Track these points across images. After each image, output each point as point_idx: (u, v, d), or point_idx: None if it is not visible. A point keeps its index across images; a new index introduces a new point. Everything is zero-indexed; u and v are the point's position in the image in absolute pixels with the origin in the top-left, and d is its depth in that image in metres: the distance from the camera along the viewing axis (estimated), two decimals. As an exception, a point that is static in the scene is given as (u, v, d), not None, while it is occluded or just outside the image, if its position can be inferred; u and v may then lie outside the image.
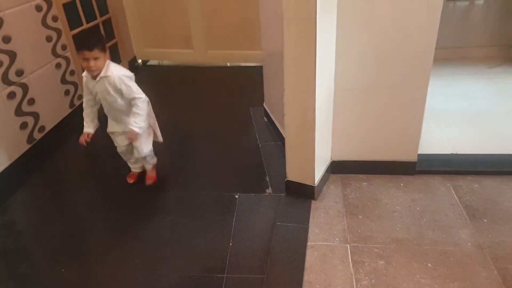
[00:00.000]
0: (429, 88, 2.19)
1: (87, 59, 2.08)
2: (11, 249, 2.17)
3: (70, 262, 2.05)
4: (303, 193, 2.35)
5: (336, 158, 2.49)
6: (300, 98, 2.08)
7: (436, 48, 2.08)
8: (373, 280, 1.80)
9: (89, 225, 2.33)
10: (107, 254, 2.09)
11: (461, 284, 1.75)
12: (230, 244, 2.08)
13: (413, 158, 2.44)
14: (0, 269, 2.06)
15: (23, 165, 2.77)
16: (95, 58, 2.08)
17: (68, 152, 3.05)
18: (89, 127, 2.35)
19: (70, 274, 1.98)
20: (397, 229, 2.08)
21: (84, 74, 2.23)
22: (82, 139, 2.32)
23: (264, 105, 3.27)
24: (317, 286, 1.79)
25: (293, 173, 2.36)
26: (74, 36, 3.29)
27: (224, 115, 3.47)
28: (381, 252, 1.95)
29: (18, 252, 2.15)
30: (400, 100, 2.26)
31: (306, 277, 1.84)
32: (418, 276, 1.81)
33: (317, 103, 2.06)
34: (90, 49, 2.05)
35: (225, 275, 1.90)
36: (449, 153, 2.59)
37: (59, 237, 2.24)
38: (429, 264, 1.86)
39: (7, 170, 2.64)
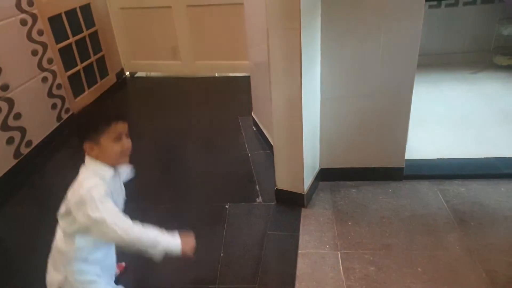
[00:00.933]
0: (414, 94, 2.24)
1: (119, 137, 1.43)
2: (-2, 267, 2.14)
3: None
4: (293, 201, 2.36)
5: (325, 166, 2.52)
6: (287, 108, 2.11)
7: (419, 55, 2.13)
8: (364, 286, 1.81)
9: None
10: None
11: (451, 287, 1.77)
12: (221, 254, 2.07)
13: (400, 164, 2.47)
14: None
15: (10, 180, 2.73)
16: (126, 135, 1.48)
17: (56, 167, 3.02)
18: (173, 237, 1.60)
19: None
20: (387, 234, 2.10)
21: (101, 177, 1.44)
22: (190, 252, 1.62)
23: (253, 114, 3.29)
24: (309, 294, 1.80)
25: (282, 182, 2.38)
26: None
27: (213, 125, 3.48)
28: (371, 258, 1.96)
29: (6, 269, 2.12)
30: (386, 107, 2.30)
31: (297, 285, 1.84)
32: (408, 281, 1.82)
33: (304, 112, 2.09)
34: (125, 119, 1.46)
35: (216, 286, 1.89)
36: (436, 158, 2.63)
37: (47, 253, 2.20)
38: (419, 269, 1.88)
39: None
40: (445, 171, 2.52)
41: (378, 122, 2.35)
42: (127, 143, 1.46)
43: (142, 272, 2.01)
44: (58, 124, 3.29)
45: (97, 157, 1.45)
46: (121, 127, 1.44)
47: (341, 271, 1.90)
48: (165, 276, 1.97)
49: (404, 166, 2.46)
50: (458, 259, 1.92)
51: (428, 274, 1.84)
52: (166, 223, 2.36)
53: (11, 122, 2.75)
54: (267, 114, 2.50)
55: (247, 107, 3.33)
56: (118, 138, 1.43)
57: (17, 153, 2.82)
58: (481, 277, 1.81)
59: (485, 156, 2.60)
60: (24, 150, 2.90)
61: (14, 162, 2.80)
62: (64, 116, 3.36)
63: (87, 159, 1.48)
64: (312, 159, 2.40)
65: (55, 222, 2.49)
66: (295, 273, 1.91)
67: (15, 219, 2.51)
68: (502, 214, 2.17)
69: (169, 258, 1.57)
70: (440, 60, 4.01)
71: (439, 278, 1.82)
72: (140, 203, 2.56)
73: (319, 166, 2.52)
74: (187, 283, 1.92)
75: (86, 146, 1.45)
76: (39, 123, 3.07)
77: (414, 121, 2.38)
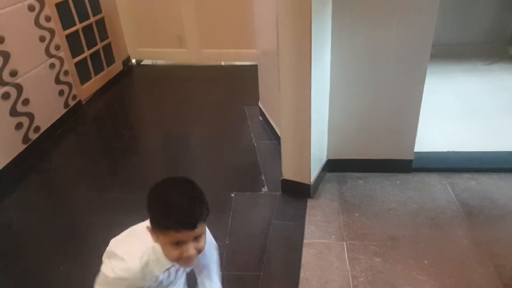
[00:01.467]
0: (425, 85, 2.22)
1: (180, 243, 1.08)
2: (9, 249, 2.19)
3: (67, 260, 2.08)
4: (299, 192, 2.38)
5: (332, 157, 2.52)
6: (296, 96, 2.11)
7: (433, 45, 2.11)
8: (369, 277, 1.83)
9: (86, 223, 2.34)
10: (105, 244, 2.10)
11: (458, 280, 1.78)
12: (226, 242, 2.10)
13: (409, 156, 2.47)
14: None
15: (19, 165, 2.79)
16: (197, 238, 1.10)
17: (64, 152, 3.06)
18: None
19: (68, 272, 2.00)
20: (394, 226, 2.11)
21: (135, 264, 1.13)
22: None
23: (259, 103, 3.29)
24: (314, 283, 1.82)
25: (288, 172, 2.39)
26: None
27: (219, 114, 3.49)
28: (377, 249, 1.97)
29: (16, 251, 2.17)
30: (397, 97, 2.29)
31: (302, 274, 1.87)
32: (414, 272, 1.83)
33: (313, 101, 2.08)
34: (193, 226, 1.07)
35: (221, 273, 1.91)
36: (446, 150, 2.62)
37: (56, 236, 2.26)
38: (426, 261, 1.89)
39: (3, 170, 2.65)
40: (455, 164, 2.51)
41: (388, 113, 2.34)
42: (189, 250, 1.08)
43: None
44: (65, 110, 3.32)
45: (156, 241, 1.14)
46: (185, 235, 1.07)
47: (347, 262, 1.92)
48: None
49: (413, 158, 2.46)
50: (466, 252, 1.92)
51: (435, 267, 1.85)
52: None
53: (19, 107, 2.78)
54: (274, 103, 2.50)
55: (254, 96, 3.33)
56: (178, 244, 1.08)
57: (25, 139, 2.86)
58: (489, 271, 1.81)
59: (497, 150, 2.58)
60: (33, 136, 2.94)
61: (23, 147, 2.84)
62: (71, 103, 3.40)
63: (148, 229, 1.16)
64: (319, 149, 2.41)
65: (63, 205, 2.54)
66: (300, 262, 1.93)
67: (24, 202, 2.56)
68: (512, 208, 2.17)
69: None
70: (453, 51, 3.96)
71: (445, 271, 1.83)
72: (146, 189, 2.60)
73: (327, 156, 2.53)
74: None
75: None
76: (47, 109, 3.10)
77: (425, 113, 2.37)
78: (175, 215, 1.06)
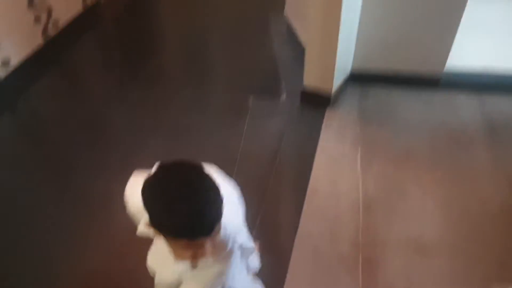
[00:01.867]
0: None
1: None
2: (34, 133, 2.33)
3: (89, 143, 2.20)
4: (319, 101, 2.35)
5: (357, 67, 2.45)
6: (326, 1, 1.99)
7: None
8: (380, 183, 1.87)
9: (106, 111, 2.43)
10: (125, 142, 2.20)
11: (468, 191, 1.80)
12: (241, 143, 2.15)
13: (439, 71, 2.36)
14: (24, 151, 2.21)
15: (40, 58, 2.84)
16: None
17: (84, 48, 3.08)
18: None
19: (89, 154, 2.13)
20: (411, 139, 2.09)
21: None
22: None
23: (285, 13, 3.15)
24: (324, 183, 1.87)
25: (310, 80, 2.34)
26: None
27: (243, 22, 3.36)
28: (391, 159, 1.99)
29: (41, 136, 2.30)
30: (436, 5, 2.13)
31: (313, 175, 1.92)
32: (425, 182, 1.86)
33: (343, 7, 1.96)
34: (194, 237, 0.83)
35: (235, 169, 1.99)
36: (479, 68, 2.49)
37: (78, 122, 2.37)
38: (439, 172, 1.90)
39: (25, 61, 2.71)
40: (486, 83, 2.40)
41: (424, 23, 2.19)
42: (206, 252, 0.85)
43: (167, 148, 2.12)
44: (84, 10, 3.27)
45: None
46: (199, 241, 0.82)
47: (358, 167, 1.95)
48: (188, 153, 2.08)
49: (443, 73, 2.36)
50: (481, 167, 1.92)
51: (447, 178, 1.87)
52: (187, 110, 2.45)
53: (37, 0, 2.76)
54: (301, 11, 2.39)
55: (279, 4, 3.19)
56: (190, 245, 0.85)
57: (45, 33, 2.87)
58: (500, 186, 1.81)
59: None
60: (52, 32, 2.94)
61: (43, 40, 2.87)
62: (90, 3, 3.34)
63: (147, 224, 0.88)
64: (345, 59, 2.33)
65: (84, 94, 2.62)
66: (311, 166, 1.98)
67: (47, 92, 2.65)
68: (538, 130, 2.11)
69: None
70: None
71: (457, 182, 1.85)
72: (166, 87, 2.64)
73: (352, 67, 2.45)
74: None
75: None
76: (66, 5, 3.06)
77: (464, 24, 2.19)
78: (185, 226, 0.78)
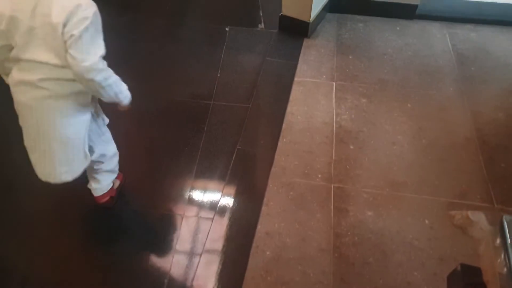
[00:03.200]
0: None
1: None
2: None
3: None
4: (297, 30, 2.25)
5: (335, -5, 2.33)
6: None
7: None
8: (353, 115, 1.88)
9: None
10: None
11: (435, 123, 1.83)
12: (218, 75, 2.07)
13: (415, 1, 2.28)
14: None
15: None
16: None
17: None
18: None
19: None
20: (385, 71, 2.08)
21: None
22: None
23: None
24: (299, 117, 1.87)
25: (288, 7, 2.21)
26: None
27: None
28: (365, 91, 1.98)
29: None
30: None
31: (289, 108, 1.90)
32: (396, 114, 1.88)
33: None
34: None
35: (212, 102, 1.95)
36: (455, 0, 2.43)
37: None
38: (409, 104, 1.92)
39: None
40: (460, 14, 2.33)
41: None
42: None
43: (139, 83, 2.05)
44: None
45: None
46: None
47: (333, 100, 1.95)
48: (162, 88, 2.02)
49: (419, 3, 2.28)
50: (449, 99, 1.94)
51: (417, 110, 1.89)
52: (162, 38, 2.32)
53: None
54: None
55: None
56: None
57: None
58: (466, 116, 1.85)
59: (509, 2, 2.39)
60: None
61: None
62: None
63: None
64: (322, -15, 2.20)
65: None
66: (288, 98, 1.94)
67: None
68: (505, 61, 2.10)
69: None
70: None
71: (426, 114, 1.87)
72: (138, 14, 2.46)
73: (329, -5, 2.33)
74: (185, 97, 1.97)
75: None
76: None
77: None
78: None
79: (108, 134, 1.43)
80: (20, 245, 1.51)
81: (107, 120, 1.43)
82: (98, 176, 1.47)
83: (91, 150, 1.32)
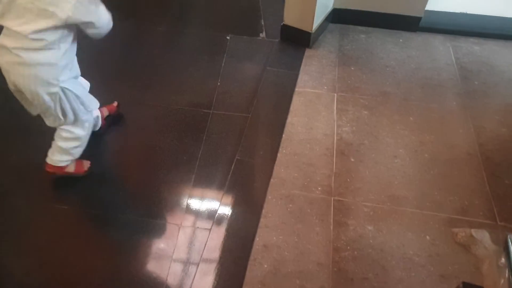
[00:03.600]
0: None
1: None
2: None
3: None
4: (298, 40, 2.26)
5: (339, 6, 2.32)
6: None
7: None
8: (354, 127, 1.87)
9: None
10: (92, 79, 2.08)
11: (437, 137, 1.82)
12: (218, 84, 2.07)
13: (419, 13, 2.28)
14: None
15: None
16: None
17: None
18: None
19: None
20: (387, 83, 2.07)
21: None
22: None
23: None
24: (299, 128, 1.86)
25: (291, 17, 2.22)
26: None
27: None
28: (366, 103, 1.98)
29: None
30: None
31: (289, 119, 1.89)
32: (398, 127, 1.87)
33: None
34: None
35: (211, 111, 1.94)
36: (459, 11, 2.43)
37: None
38: (411, 118, 1.91)
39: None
40: (463, 27, 2.34)
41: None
42: None
43: (139, 91, 2.04)
44: None
45: None
46: None
47: (334, 112, 1.94)
48: (161, 96, 2.01)
49: (422, 16, 2.29)
50: (452, 113, 1.93)
51: (419, 123, 1.88)
52: (162, 46, 2.32)
53: None
54: None
55: None
56: None
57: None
58: (469, 131, 1.85)
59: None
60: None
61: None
62: None
63: None
64: (325, -3, 2.21)
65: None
66: (288, 108, 1.94)
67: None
68: (509, 76, 2.10)
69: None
70: None
71: (428, 128, 1.86)
72: (139, 21, 2.46)
73: (333, 5, 2.33)
74: (185, 105, 1.96)
75: None
76: None
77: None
78: None
79: (83, 116, 1.50)
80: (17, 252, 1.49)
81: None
82: (53, 144, 1.54)
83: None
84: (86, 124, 1.56)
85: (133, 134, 1.85)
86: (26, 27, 1.19)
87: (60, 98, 1.38)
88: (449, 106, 1.96)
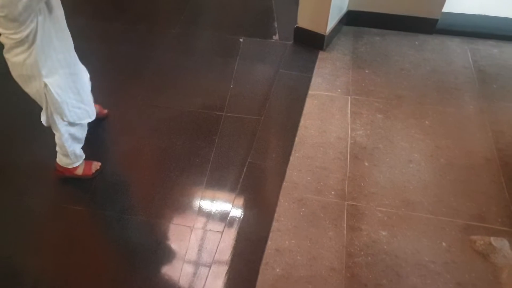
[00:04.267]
0: None
1: None
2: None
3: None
4: (312, 42, 2.26)
5: (353, 8, 2.32)
6: None
7: None
8: (368, 131, 1.86)
9: (87, 51, 2.29)
10: (107, 81, 2.11)
11: (454, 141, 1.80)
12: (231, 86, 2.08)
13: (436, 15, 2.26)
14: None
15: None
16: None
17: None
18: None
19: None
20: (402, 86, 2.06)
21: None
22: None
23: None
24: (312, 131, 1.86)
25: (304, 19, 2.22)
26: None
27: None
28: (381, 107, 1.97)
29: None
30: None
31: (302, 122, 1.89)
32: (413, 131, 1.86)
33: None
34: None
35: (224, 113, 1.95)
36: (476, 13, 2.41)
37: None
38: (427, 122, 1.90)
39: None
40: (481, 29, 2.31)
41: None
42: None
43: (152, 92, 2.06)
44: None
45: None
46: None
47: (348, 115, 1.93)
48: (174, 98, 2.03)
49: (439, 18, 2.27)
50: (469, 117, 1.91)
51: (434, 128, 1.86)
52: (176, 49, 2.34)
53: None
54: None
55: None
56: None
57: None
58: (487, 136, 1.83)
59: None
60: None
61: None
62: None
63: None
64: (340, 0, 2.21)
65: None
66: (301, 111, 1.94)
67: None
68: (528, 80, 2.09)
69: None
70: None
71: (444, 133, 1.84)
72: (153, 24, 2.49)
73: (347, 7, 2.33)
74: (197, 107, 1.97)
75: None
76: None
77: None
78: None
79: (59, 125, 1.50)
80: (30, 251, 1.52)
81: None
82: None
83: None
84: (64, 137, 1.54)
85: (146, 136, 1.87)
86: None
87: (45, 94, 1.40)
88: (466, 110, 1.94)
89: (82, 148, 1.66)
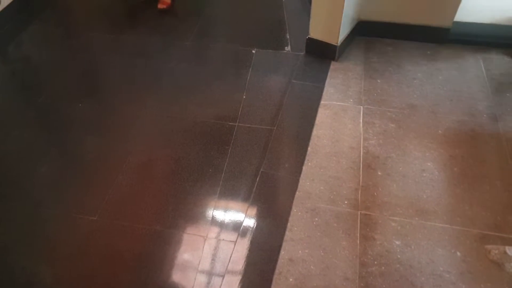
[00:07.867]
0: None
1: None
2: (29, 83, 2.28)
3: (86, 97, 2.17)
4: (324, 53, 2.31)
5: (364, 18, 2.37)
6: None
7: None
8: (381, 140, 1.89)
9: (103, 63, 2.39)
10: (122, 92, 2.19)
11: (468, 150, 1.82)
12: (244, 97, 2.14)
13: (447, 24, 2.30)
14: (19, 100, 2.20)
15: (29, 2, 2.74)
16: None
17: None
18: None
19: (86, 107, 2.12)
20: (415, 95, 2.09)
21: None
22: None
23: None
24: (325, 141, 1.90)
25: (316, 30, 2.28)
26: None
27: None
28: (393, 116, 2.00)
29: (36, 85, 2.26)
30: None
31: (315, 132, 1.94)
32: (426, 140, 1.88)
33: None
34: None
35: (236, 124, 2.01)
36: (489, 22, 2.43)
37: (74, 73, 2.33)
38: (440, 131, 1.92)
39: (14, 4, 2.62)
40: (494, 38, 2.34)
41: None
42: None
43: (166, 103, 2.13)
44: None
45: None
46: None
47: (361, 124, 1.97)
48: (187, 109, 2.09)
49: (451, 27, 2.30)
50: (483, 126, 1.93)
51: (448, 137, 1.89)
52: (189, 60, 2.42)
53: None
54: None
55: None
56: None
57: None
58: (501, 145, 1.84)
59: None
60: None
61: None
62: None
63: None
64: (352, 7, 2.24)
65: (79, 43, 2.56)
66: (314, 121, 1.98)
67: (39, 38, 2.57)
68: (544, 89, 2.10)
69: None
70: None
71: (457, 142, 1.86)
72: (165, 36, 2.57)
73: (358, 17, 2.38)
74: (210, 118, 2.03)
75: None
76: None
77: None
78: None
79: None
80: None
81: None
82: None
83: None
84: None
85: (159, 146, 1.93)
86: None
87: None
88: (480, 119, 1.96)
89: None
